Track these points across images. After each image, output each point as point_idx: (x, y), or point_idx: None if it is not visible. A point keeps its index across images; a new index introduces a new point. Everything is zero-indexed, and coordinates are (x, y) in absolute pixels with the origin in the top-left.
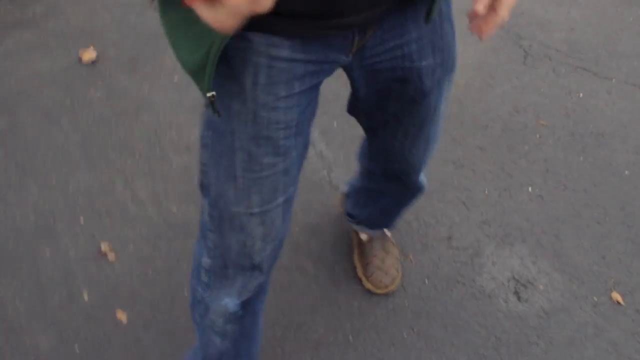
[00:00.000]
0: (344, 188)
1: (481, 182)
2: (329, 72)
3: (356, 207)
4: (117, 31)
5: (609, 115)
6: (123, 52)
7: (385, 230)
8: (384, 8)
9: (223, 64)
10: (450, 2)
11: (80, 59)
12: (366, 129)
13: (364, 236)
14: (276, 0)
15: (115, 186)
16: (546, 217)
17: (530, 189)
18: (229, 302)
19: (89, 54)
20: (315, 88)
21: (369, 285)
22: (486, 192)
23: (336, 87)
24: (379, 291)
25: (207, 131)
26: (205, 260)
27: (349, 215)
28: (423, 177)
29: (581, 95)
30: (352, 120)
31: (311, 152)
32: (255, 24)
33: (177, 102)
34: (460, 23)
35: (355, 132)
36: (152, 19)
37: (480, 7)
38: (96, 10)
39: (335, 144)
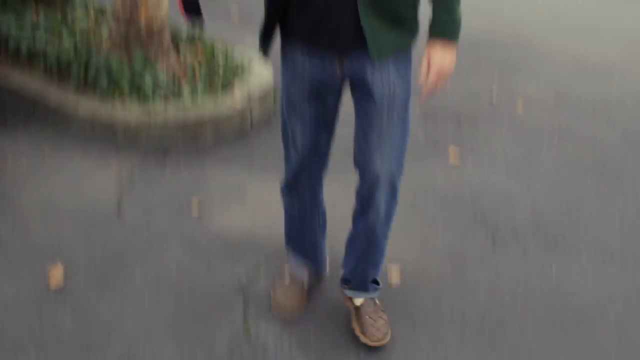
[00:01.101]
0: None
1: None
2: (330, 82)
3: (346, 262)
4: (84, 247)
5: (584, 292)
6: (91, 271)
7: (375, 299)
8: (350, 46)
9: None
10: (402, 63)
11: (47, 281)
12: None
13: (358, 301)
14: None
15: None
16: None
17: None
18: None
19: (56, 276)
20: (324, 88)
21: (364, 339)
22: None
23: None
24: (373, 343)
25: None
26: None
27: (343, 280)
28: (383, 195)
29: (554, 274)
30: None
31: None
32: (290, 32)
33: (150, 323)
34: (428, 209)
35: None
36: (119, 233)
37: (421, 79)
38: (62, 226)
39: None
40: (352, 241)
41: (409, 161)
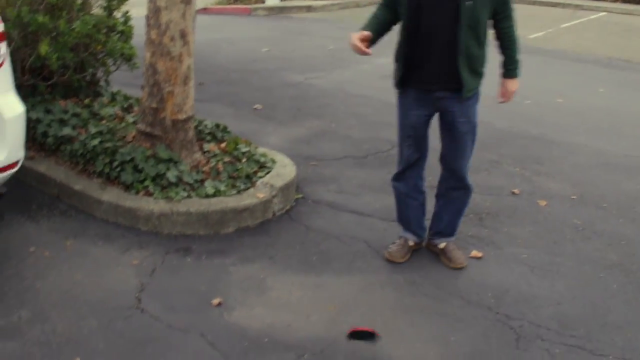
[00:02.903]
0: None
1: None
2: (430, 110)
3: (440, 221)
4: (104, 338)
5: None
6: None
7: (452, 243)
8: (447, 89)
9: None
10: (473, 99)
11: None
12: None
13: (442, 244)
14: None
15: None
16: None
17: None
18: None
19: None
20: (427, 116)
21: (452, 265)
22: None
23: None
24: (459, 265)
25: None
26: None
27: (435, 234)
28: (469, 181)
29: None
30: None
31: None
32: (408, 81)
33: None
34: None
35: None
36: (139, 325)
37: (499, 98)
38: (83, 315)
39: None
40: (448, 205)
41: (430, 260)
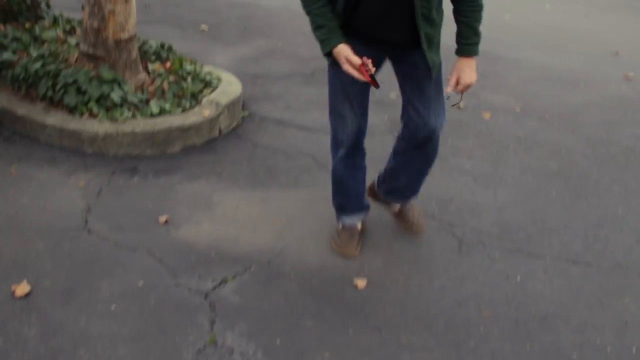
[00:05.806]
0: (374, 179)
1: None
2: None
3: (391, 181)
4: (51, 260)
5: (548, 295)
6: (58, 282)
7: (412, 202)
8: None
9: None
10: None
11: (13, 294)
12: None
13: (396, 207)
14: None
15: None
16: None
17: None
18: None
19: (22, 288)
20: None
21: (414, 229)
22: None
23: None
24: (420, 229)
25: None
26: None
27: (386, 193)
28: (437, 140)
29: (518, 278)
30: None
31: None
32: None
33: (116, 333)
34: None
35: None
36: (87, 246)
37: (449, 89)
38: (29, 238)
39: None
40: (407, 166)
41: (375, 168)
